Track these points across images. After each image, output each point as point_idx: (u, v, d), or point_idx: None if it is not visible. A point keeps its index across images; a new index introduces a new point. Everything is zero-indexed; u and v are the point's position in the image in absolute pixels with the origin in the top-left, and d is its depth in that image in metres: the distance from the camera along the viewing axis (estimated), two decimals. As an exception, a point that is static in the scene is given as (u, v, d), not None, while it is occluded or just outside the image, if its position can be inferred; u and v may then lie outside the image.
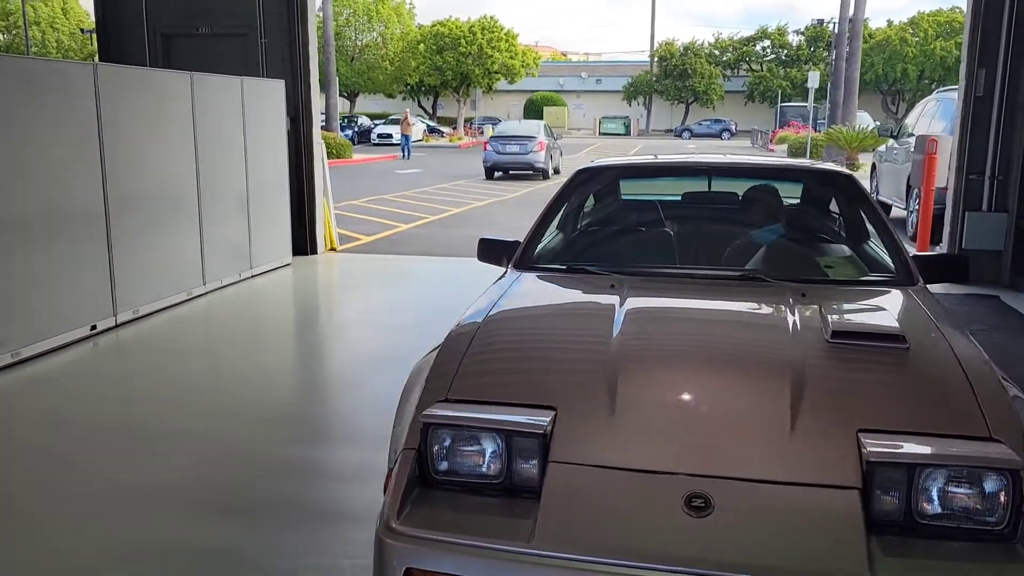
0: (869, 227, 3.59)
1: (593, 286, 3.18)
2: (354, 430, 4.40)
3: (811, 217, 3.91)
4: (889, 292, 3.09)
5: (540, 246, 3.60)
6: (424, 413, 2.25)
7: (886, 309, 2.88)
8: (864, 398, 2.30)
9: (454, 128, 47.04)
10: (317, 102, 8.93)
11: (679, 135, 53.82)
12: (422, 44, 45.85)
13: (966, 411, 2.19)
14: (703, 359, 2.58)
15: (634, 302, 2.92)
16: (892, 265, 3.27)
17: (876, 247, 3.47)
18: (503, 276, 3.44)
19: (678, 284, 3.17)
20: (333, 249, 9.49)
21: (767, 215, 3.67)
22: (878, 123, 32.51)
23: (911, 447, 2.05)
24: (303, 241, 8.94)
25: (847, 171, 3.80)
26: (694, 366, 2.53)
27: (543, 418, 2.20)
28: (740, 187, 3.91)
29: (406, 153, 29.38)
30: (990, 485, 1.98)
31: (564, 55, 76.69)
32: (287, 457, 3.98)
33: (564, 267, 3.43)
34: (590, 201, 4.15)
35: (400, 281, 8.55)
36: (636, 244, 3.60)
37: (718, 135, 52.15)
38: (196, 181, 6.99)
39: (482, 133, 44.56)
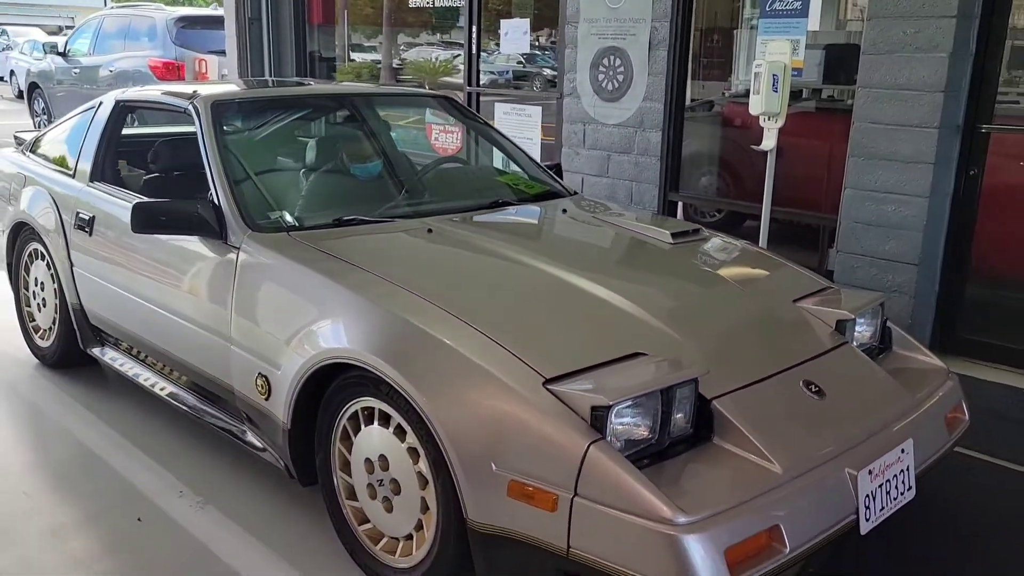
0: (489, 144, 3.91)
1: (415, 236, 2.79)
2: None
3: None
4: (591, 200, 3.58)
5: (244, 202, 2.85)
6: (596, 396, 1.93)
7: (630, 211, 3.40)
8: (763, 276, 2.89)
9: None
10: None
11: None
12: None
13: (802, 271, 3.00)
14: (653, 274, 2.74)
15: (497, 239, 2.80)
16: (539, 177, 3.70)
17: (511, 161, 3.83)
18: (235, 253, 2.68)
19: (467, 219, 3.03)
20: None
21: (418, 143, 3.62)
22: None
23: (844, 303, 2.71)
24: None
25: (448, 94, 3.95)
26: (656, 281, 2.68)
27: (686, 364, 2.14)
28: (367, 115, 3.65)
29: None
30: (877, 316, 2.78)
31: None
32: None
33: (330, 223, 2.83)
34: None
35: None
36: (372, 187, 3.16)
37: None
38: None
39: None
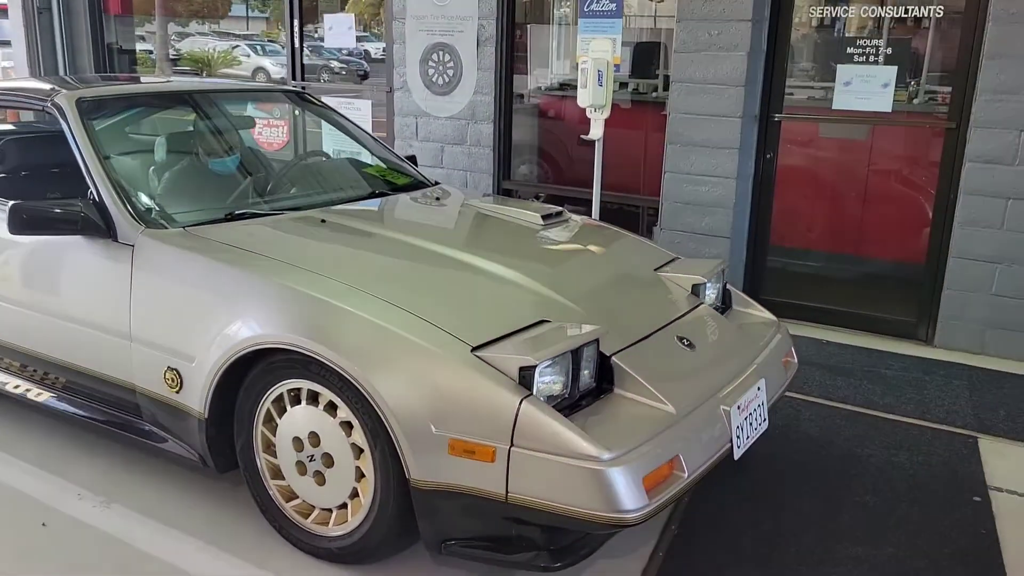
0: (345, 136, 4.03)
1: (311, 227, 2.90)
2: None
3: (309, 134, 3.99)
4: (453, 189, 3.81)
5: (132, 200, 2.85)
6: (524, 358, 2.21)
7: (490, 198, 3.66)
8: (624, 250, 3.26)
9: None
10: None
11: None
12: None
13: (653, 245, 3.41)
14: (535, 252, 3.01)
15: (389, 226, 2.99)
16: (403, 168, 3.89)
17: (364, 152, 3.97)
18: (129, 251, 2.71)
19: (353, 209, 3.17)
20: None
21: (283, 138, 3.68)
22: None
23: (696, 270, 3.14)
24: None
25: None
26: (540, 257, 2.96)
27: (588, 326, 2.45)
28: (217, 111, 3.66)
29: None
30: (720, 280, 3.24)
31: None
32: None
33: (223, 217, 2.88)
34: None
35: None
36: (243, 180, 3.19)
37: None
38: None
39: None
